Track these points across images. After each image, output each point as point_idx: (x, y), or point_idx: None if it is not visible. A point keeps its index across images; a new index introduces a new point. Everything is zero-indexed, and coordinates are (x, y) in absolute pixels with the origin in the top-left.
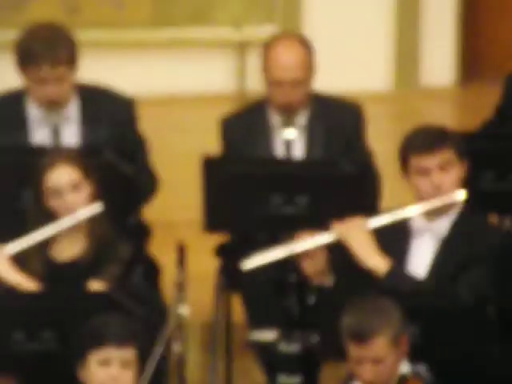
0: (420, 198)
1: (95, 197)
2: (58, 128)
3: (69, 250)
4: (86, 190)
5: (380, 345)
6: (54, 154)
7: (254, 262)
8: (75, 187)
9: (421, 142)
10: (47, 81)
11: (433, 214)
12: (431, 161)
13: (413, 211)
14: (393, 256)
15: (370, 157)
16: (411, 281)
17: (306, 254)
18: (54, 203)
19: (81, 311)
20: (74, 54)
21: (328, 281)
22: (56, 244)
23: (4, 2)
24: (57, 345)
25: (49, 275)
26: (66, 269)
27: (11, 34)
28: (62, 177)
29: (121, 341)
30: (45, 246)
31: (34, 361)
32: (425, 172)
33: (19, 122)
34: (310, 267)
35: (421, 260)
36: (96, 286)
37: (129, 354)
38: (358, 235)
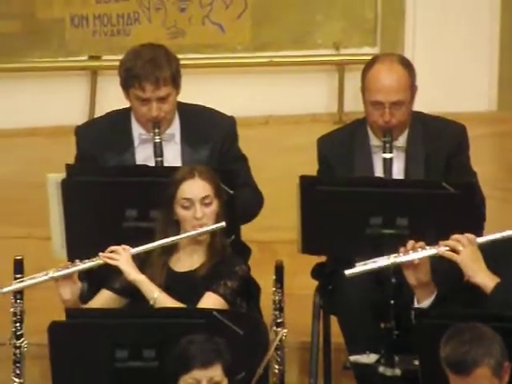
0: None
1: (220, 215)
2: (161, 147)
3: (187, 262)
4: (214, 206)
5: (482, 375)
6: (193, 167)
7: (356, 269)
8: (207, 202)
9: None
10: (150, 101)
11: None
12: None
13: None
14: (501, 274)
15: (473, 177)
16: None
17: (409, 264)
18: (183, 213)
19: (183, 329)
20: (176, 74)
21: (430, 296)
22: (176, 254)
23: (108, 29)
24: (158, 363)
25: (166, 283)
26: (183, 279)
27: (117, 59)
28: (197, 189)
29: (206, 362)
30: (166, 254)
31: (136, 379)
32: None
33: (126, 142)
34: (413, 278)
35: None
36: (212, 298)
37: (216, 372)
38: (466, 250)
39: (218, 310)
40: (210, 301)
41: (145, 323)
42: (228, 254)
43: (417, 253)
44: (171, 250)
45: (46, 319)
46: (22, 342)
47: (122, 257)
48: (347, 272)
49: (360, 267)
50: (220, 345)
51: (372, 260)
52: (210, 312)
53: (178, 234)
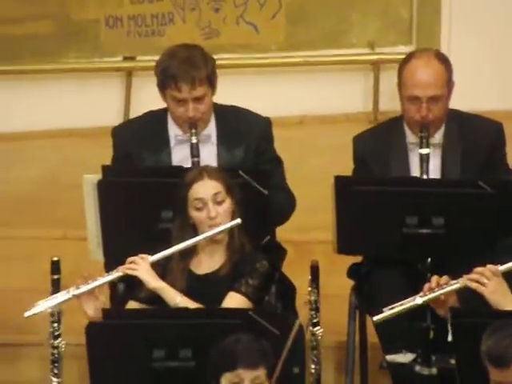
0: None
1: (235, 213)
2: (197, 147)
3: (208, 263)
4: (227, 204)
5: None
6: (201, 168)
7: (384, 314)
8: (219, 200)
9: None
10: (186, 101)
11: None
12: None
13: None
14: None
15: (510, 175)
16: None
17: (437, 300)
18: (197, 214)
19: (219, 329)
20: (212, 74)
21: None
22: (196, 257)
23: (142, 29)
24: (195, 363)
25: (188, 287)
26: (205, 281)
27: (151, 59)
28: (208, 189)
29: (252, 363)
30: (186, 259)
31: (173, 378)
32: None
33: (162, 142)
34: (442, 310)
35: None
36: (235, 298)
37: (260, 373)
38: (491, 282)
39: (254, 311)
40: (233, 301)
41: (181, 323)
42: (248, 252)
43: (442, 289)
44: (191, 253)
45: (84, 319)
46: (59, 342)
47: (140, 266)
48: (375, 318)
49: (387, 312)
50: (265, 346)
51: (399, 303)
52: (246, 312)
53: (194, 236)
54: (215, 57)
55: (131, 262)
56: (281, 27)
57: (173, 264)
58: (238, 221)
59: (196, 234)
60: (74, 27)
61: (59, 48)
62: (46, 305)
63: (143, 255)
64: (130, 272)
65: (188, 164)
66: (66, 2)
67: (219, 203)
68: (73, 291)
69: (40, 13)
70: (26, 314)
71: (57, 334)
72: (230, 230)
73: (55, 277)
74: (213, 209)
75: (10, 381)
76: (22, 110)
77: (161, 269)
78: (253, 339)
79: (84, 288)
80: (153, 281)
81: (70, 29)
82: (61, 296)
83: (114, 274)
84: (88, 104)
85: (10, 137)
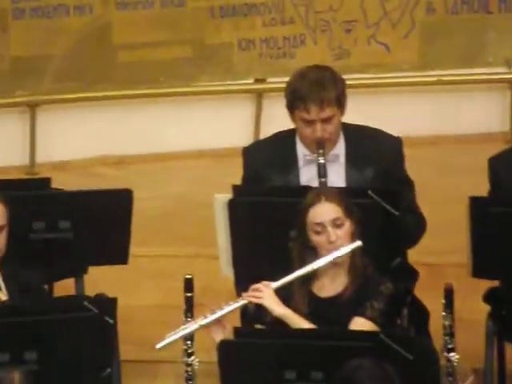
0: None
1: (355, 235)
2: (325, 167)
3: (330, 286)
4: (347, 227)
5: None
6: (319, 191)
7: None
8: (338, 223)
9: None
10: (315, 122)
11: None
12: None
13: None
14: None
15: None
16: None
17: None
18: (317, 238)
19: (347, 352)
20: (341, 95)
21: None
22: (318, 280)
23: (274, 52)
24: None
25: (312, 311)
26: (329, 304)
27: (282, 81)
28: (327, 213)
29: None
30: (308, 282)
31: None
32: None
33: (291, 163)
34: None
35: None
36: (361, 323)
37: None
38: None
39: (385, 334)
40: (359, 326)
41: (312, 344)
42: (371, 273)
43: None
44: (312, 276)
45: None
46: (193, 360)
47: (264, 294)
48: None
49: None
50: (389, 372)
51: None
52: (377, 335)
53: (315, 259)
54: (345, 77)
55: (255, 290)
56: (413, 46)
57: (295, 288)
58: (359, 243)
59: (316, 255)
60: (208, 51)
61: (193, 72)
62: (176, 336)
63: (266, 282)
64: (254, 300)
65: (315, 184)
66: (201, 27)
67: (338, 226)
68: (200, 321)
69: (178, 38)
70: (158, 346)
71: (190, 351)
72: (352, 252)
73: (188, 294)
74: (332, 232)
75: None
76: (159, 131)
77: (283, 293)
78: (374, 364)
79: (211, 317)
80: (277, 308)
81: (204, 52)
82: (190, 327)
83: (240, 302)
84: (219, 125)
85: (147, 158)
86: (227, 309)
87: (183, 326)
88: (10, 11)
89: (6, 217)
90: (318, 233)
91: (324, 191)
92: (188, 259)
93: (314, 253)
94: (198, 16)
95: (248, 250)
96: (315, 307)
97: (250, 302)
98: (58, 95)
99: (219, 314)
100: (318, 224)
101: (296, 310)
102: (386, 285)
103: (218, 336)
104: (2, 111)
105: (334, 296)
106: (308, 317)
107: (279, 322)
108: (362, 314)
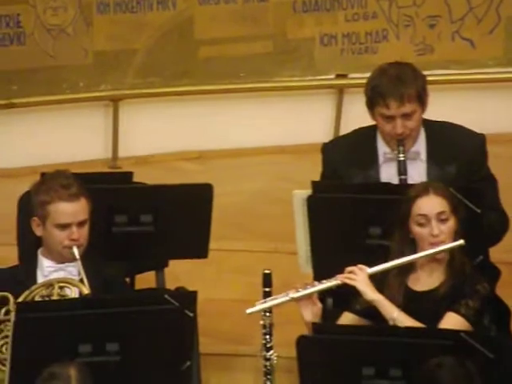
0: None
1: (458, 234)
2: (405, 165)
3: (426, 281)
4: (451, 223)
5: None
6: (427, 183)
7: None
8: (443, 218)
9: None
10: (394, 118)
11: None
12: None
13: None
14: None
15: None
16: None
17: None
18: (419, 230)
19: (427, 350)
20: (422, 91)
21: None
22: (414, 273)
23: (356, 47)
24: (405, 382)
25: (406, 303)
26: (424, 298)
27: (363, 77)
28: (433, 205)
29: None
30: (404, 274)
31: None
32: None
33: (371, 159)
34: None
35: None
36: (454, 319)
37: None
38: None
39: (466, 332)
40: (452, 321)
41: (391, 341)
42: (468, 273)
43: (321, 285)
44: (408, 269)
45: (296, 332)
46: (271, 355)
47: (359, 277)
48: None
49: None
50: (471, 370)
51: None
52: (457, 333)
53: (414, 252)
54: (428, 73)
55: (350, 272)
56: (499, 42)
57: (390, 279)
58: (462, 242)
59: (416, 248)
60: (289, 46)
61: (274, 67)
62: (266, 305)
63: (361, 266)
64: (348, 281)
65: (395, 182)
66: (284, 21)
67: (443, 221)
68: (292, 294)
69: (260, 33)
70: (248, 311)
71: (269, 346)
72: (452, 250)
73: (267, 289)
74: (436, 226)
75: None
76: (240, 127)
77: (377, 283)
78: (457, 363)
79: (302, 292)
80: (370, 292)
81: (285, 47)
82: (280, 298)
83: (333, 282)
84: (300, 121)
85: (228, 153)
86: (320, 286)
87: (274, 296)
88: (95, 5)
89: (88, 211)
90: (421, 225)
91: (432, 184)
92: (267, 254)
93: (413, 245)
94: (280, 11)
95: (327, 246)
96: (409, 299)
97: (344, 284)
98: (140, 90)
99: (311, 289)
100: (423, 216)
101: (390, 301)
102: (483, 285)
103: (307, 312)
104: (85, 105)
105: (429, 290)
106: (401, 308)
107: (368, 312)
108: (457, 311)
